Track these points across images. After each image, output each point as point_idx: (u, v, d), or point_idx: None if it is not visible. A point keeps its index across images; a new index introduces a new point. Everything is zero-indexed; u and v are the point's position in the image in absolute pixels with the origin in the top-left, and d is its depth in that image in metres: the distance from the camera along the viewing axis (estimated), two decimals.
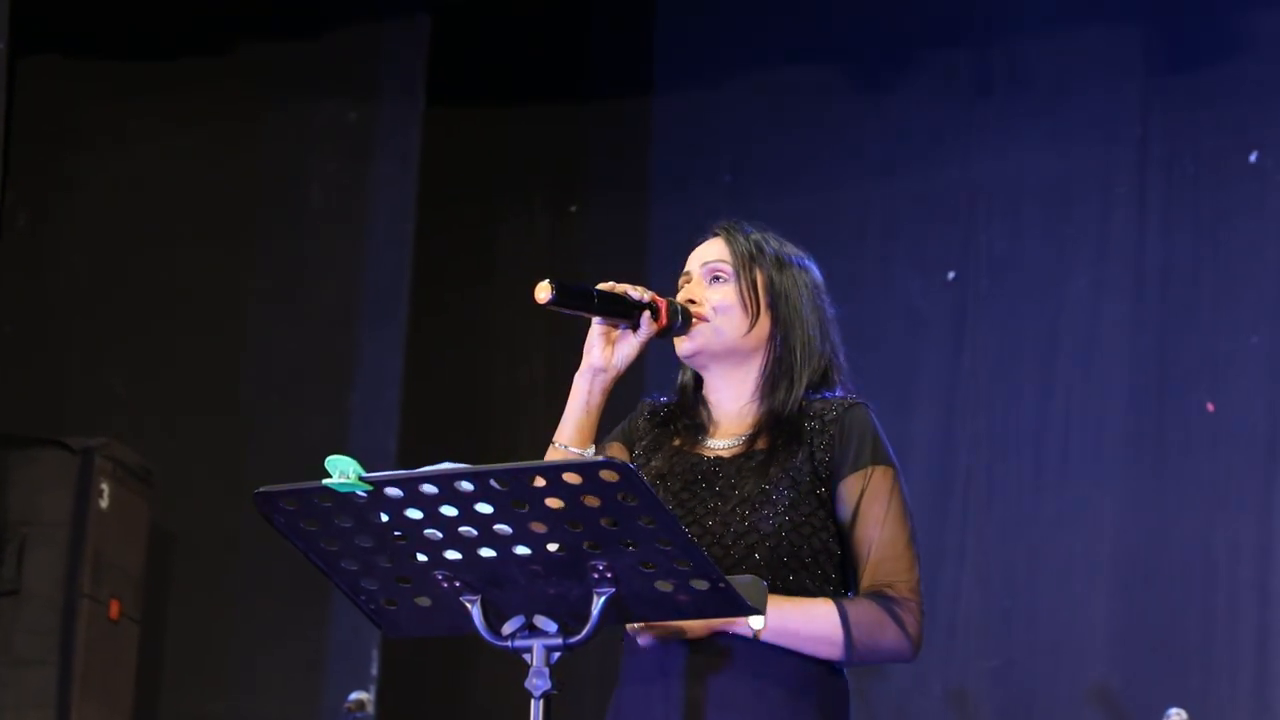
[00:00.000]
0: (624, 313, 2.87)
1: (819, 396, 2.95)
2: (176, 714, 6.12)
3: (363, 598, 2.61)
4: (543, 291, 2.79)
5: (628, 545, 2.46)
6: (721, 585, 2.51)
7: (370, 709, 5.21)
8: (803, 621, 2.78)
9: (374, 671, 5.96)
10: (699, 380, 3.01)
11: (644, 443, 2.99)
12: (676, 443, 2.96)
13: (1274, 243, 5.66)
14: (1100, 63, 5.96)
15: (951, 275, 6.03)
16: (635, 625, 2.75)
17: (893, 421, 6.04)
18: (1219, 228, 5.75)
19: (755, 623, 2.74)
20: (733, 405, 2.96)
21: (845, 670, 2.86)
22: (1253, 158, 5.73)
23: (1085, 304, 5.86)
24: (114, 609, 5.63)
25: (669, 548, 2.46)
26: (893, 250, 6.13)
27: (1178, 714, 4.90)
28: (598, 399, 2.90)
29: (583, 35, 6.64)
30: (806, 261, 3.04)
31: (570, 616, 2.52)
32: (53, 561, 5.53)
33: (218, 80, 6.42)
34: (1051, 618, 5.69)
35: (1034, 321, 5.91)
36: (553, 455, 2.89)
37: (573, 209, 6.58)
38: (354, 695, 5.14)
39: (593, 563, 2.47)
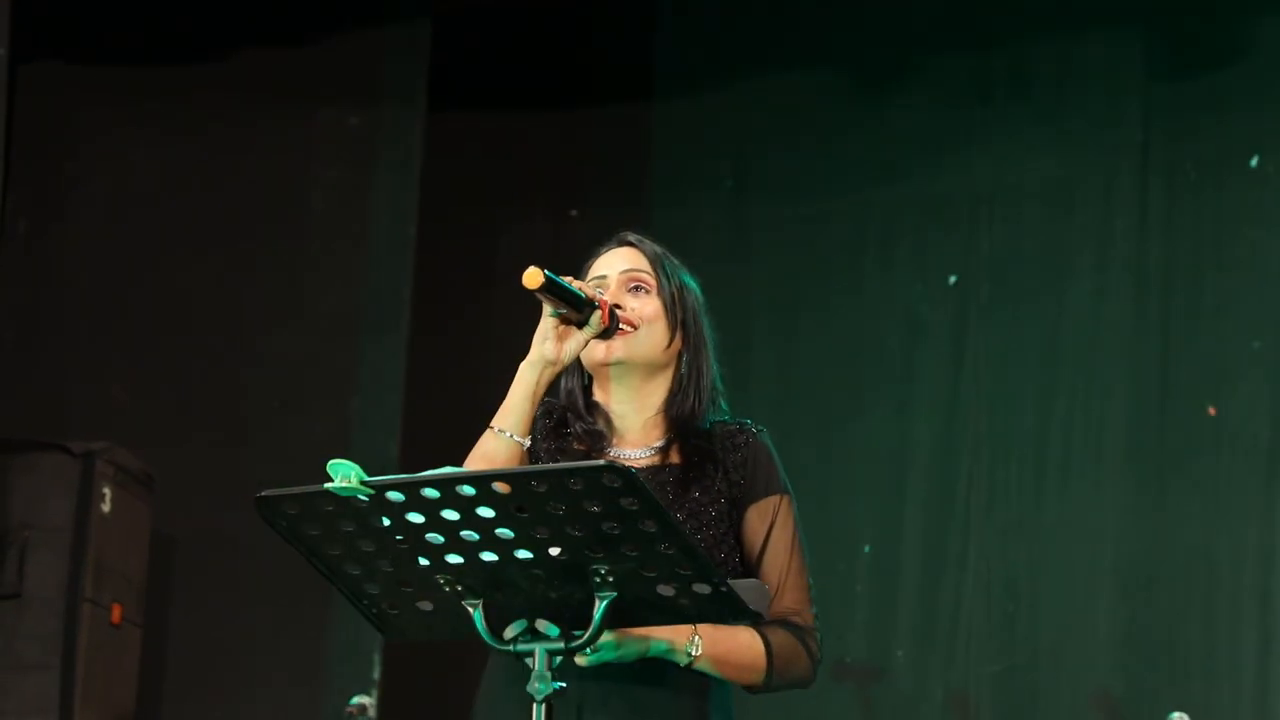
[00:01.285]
0: (579, 309, 2.90)
1: (720, 419, 3.00)
2: (178, 718, 6.12)
3: (364, 602, 2.62)
4: (532, 279, 2.82)
5: (629, 549, 2.46)
6: (724, 589, 2.51)
7: (372, 713, 5.20)
8: (733, 651, 2.83)
9: (376, 675, 5.96)
10: (586, 387, 3.02)
11: (545, 445, 3.01)
12: (580, 448, 2.99)
13: (1276, 247, 5.66)
14: (1101, 68, 5.97)
15: (953, 280, 6.03)
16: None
17: (894, 426, 6.08)
18: (1221, 232, 5.75)
19: (694, 650, 2.79)
20: (638, 416, 2.99)
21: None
22: (1254, 162, 5.73)
23: (1087, 309, 5.86)
24: (116, 613, 5.63)
25: (671, 552, 2.46)
26: (894, 255, 6.13)
27: (1180, 718, 4.89)
28: (542, 391, 2.94)
29: (584, 41, 6.64)
30: (696, 283, 3.07)
31: (572, 620, 2.52)
32: (54, 566, 5.52)
33: (218, 87, 6.42)
34: (1054, 623, 5.69)
35: (1036, 326, 5.91)
36: (492, 440, 2.91)
37: (574, 214, 6.59)
38: (356, 699, 5.14)
39: (594, 567, 2.47)
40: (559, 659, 2.52)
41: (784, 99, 6.32)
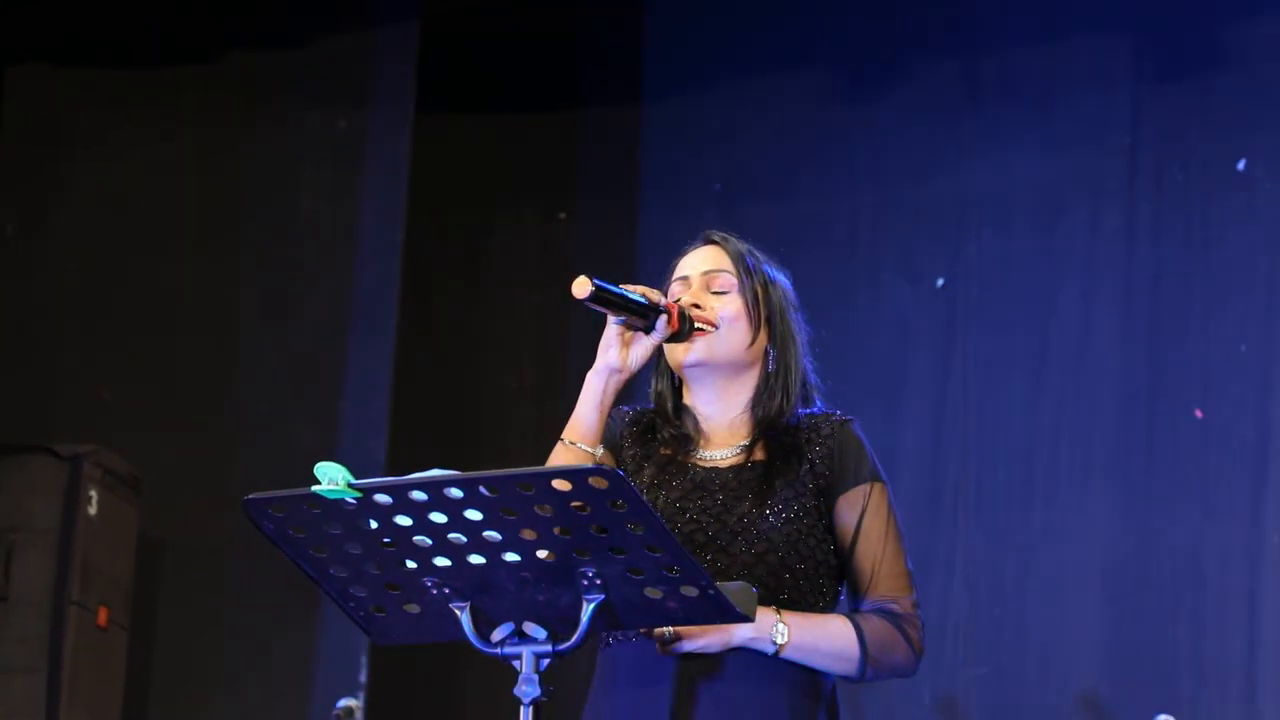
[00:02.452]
0: (642, 315, 2.88)
1: (808, 412, 2.99)
2: None
3: (352, 605, 2.61)
4: (581, 288, 2.79)
5: (617, 552, 2.46)
6: (711, 592, 2.51)
7: (359, 716, 5.20)
8: (823, 639, 2.81)
9: (363, 678, 5.95)
10: (675, 389, 3.01)
11: (632, 451, 2.99)
12: (666, 452, 2.97)
13: (1263, 250, 5.67)
14: (1089, 71, 5.97)
15: (941, 283, 6.03)
16: (664, 634, 2.75)
17: (882, 429, 6.07)
18: (1208, 236, 5.76)
19: (779, 639, 2.76)
20: (724, 416, 2.98)
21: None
22: (1240, 165, 5.74)
23: (1075, 312, 5.87)
24: (102, 616, 5.62)
25: (658, 554, 2.46)
26: (882, 258, 6.13)
27: None
28: (610, 399, 2.92)
29: (572, 43, 6.64)
30: (787, 279, 3.06)
31: (560, 623, 2.52)
32: (41, 568, 5.51)
33: (207, 89, 6.41)
34: (1041, 625, 5.69)
35: (1023, 329, 5.91)
36: (563, 452, 2.89)
37: (562, 217, 6.59)
38: (343, 702, 5.13)
39: (582, 569, 2.47)
40: (545, 662, 2.52)
41: (772, 102, 6.32)
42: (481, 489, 2.41)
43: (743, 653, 2.79)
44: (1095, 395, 5.77)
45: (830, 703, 2.87)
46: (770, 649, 2.78)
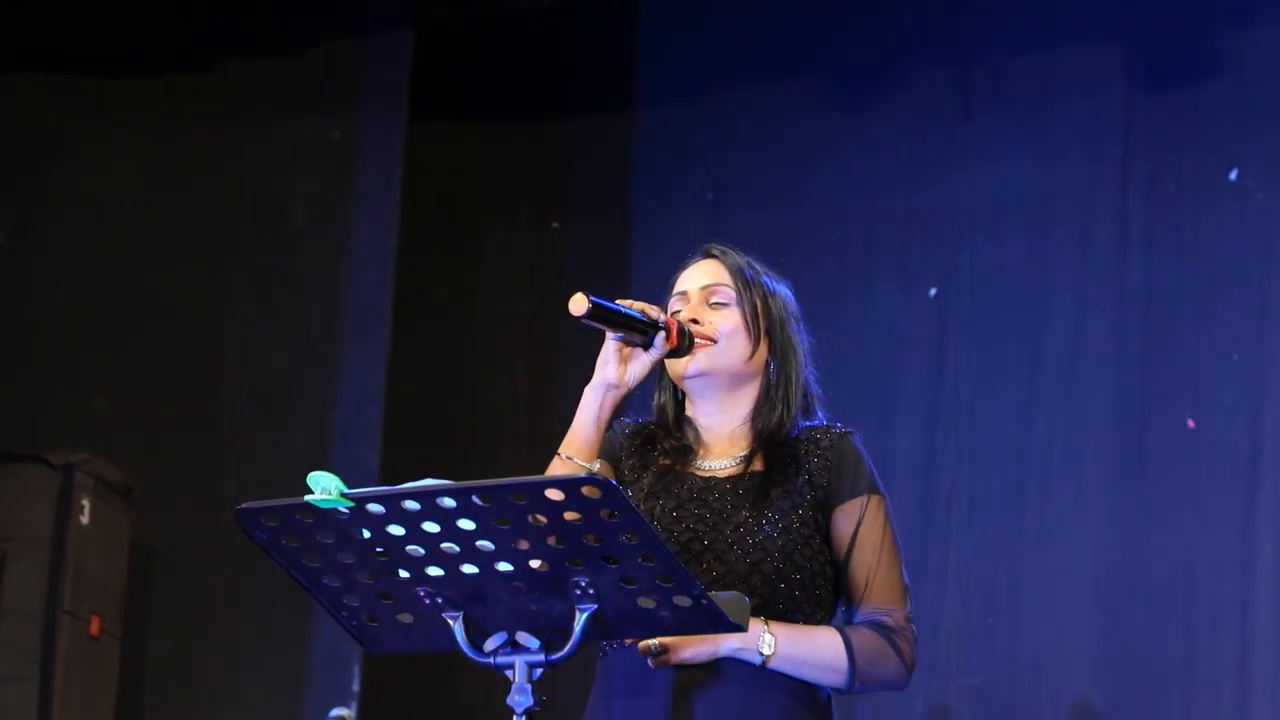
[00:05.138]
0: (641, 331, 2.89)
1: (808, 423, 3.00)
2: None
3: (344, 614, 2.61)
4: (578, 305, 2.80)
5: (610, 561, 2.46)
6: (704, 602, 2.51)
7: None
8: (811, 650, 2.82)
9: (355, 688, 5.95)
10: (678, 402, 3.02)
11: (630, 462, 3.01)
12: (665, 462, 2.99)
13: (1255, 260, 5.68)
14: (1081, 81, 5.98)
15: (934, 292, 6.04)
16: (650, 646, 2.75)
17: (875, 438, 6.02)
18: (1200, 245, 5.76)
19: (766, 649, 2.77)
20: (724, 428, 3.00)
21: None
22: (1233, 175, 5.75)
23: (1067, 321, 5.87)
24: (95, 625, 5.62)
25: (651, 564, 2.46)
26: (875, 267, 6.14)
27: None
28: (607, 414, 2.93)
29: (565, 51, 6.65)
30: (788, 289, 3.07)
31: (553, 633, 2.52)
32: (33, 578, 5.51)
33: (200, 97, 6.42)
34: (1033, 634, 5.69)
35: (1016, 338, 5.92)
36: (559, 466, 2.89)
37: (555, 225, 6.59)
38: (335, 711, 5.13)
39: (575, 579, 2.47)
40: (538, 671, 2.52)
41: (765, 111, 6.33)
42: (474, 498, 2.41)
43: (737, 660, 2.80)
44: (1088, 404, 5.78)
45: (826, 710, 2.88)
46: (757, 660, 2.79)
